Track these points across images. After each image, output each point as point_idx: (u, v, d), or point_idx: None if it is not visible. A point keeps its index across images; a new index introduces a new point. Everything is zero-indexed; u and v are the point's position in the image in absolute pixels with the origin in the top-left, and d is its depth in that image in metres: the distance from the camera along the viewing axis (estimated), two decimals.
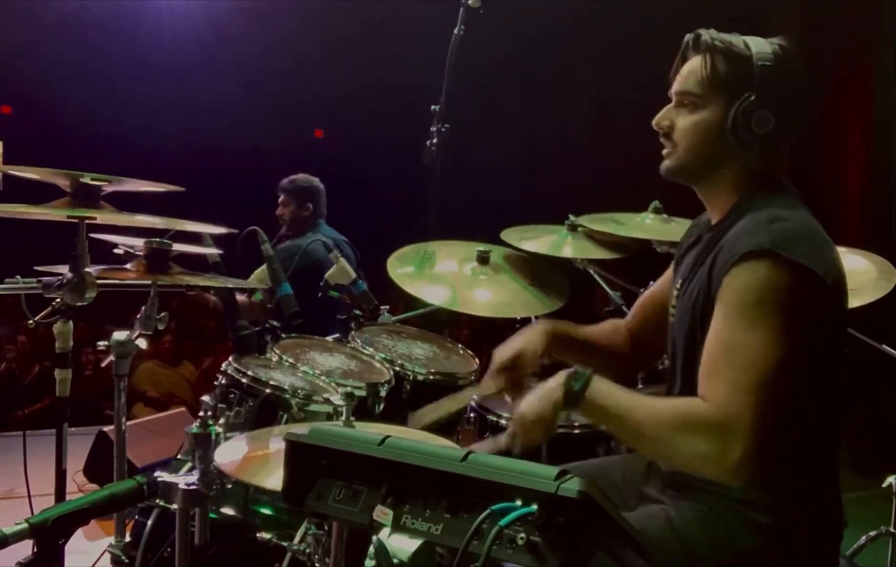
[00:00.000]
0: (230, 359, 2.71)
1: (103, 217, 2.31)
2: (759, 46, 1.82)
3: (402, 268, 3.09)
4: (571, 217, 3.22)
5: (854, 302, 2.73)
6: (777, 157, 1.87)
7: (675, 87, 1.90)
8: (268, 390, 2.57)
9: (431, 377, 2.92)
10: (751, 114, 1.79)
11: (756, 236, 1.70)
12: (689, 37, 1.89)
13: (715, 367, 1.68)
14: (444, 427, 2.67)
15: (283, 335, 2.97)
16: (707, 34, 1.85)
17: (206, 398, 2.09)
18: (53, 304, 2.30)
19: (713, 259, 1.79)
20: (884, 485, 2.87)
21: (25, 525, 1.60)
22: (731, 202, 1.88)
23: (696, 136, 1.86)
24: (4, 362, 6.96)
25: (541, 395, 1.80)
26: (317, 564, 2.10)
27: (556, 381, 1.79)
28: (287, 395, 2.56)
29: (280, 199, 4.99)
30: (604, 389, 1.76)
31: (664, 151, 1.93)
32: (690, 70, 1.87)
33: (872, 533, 2.90)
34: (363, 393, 2.67)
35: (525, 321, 3.38)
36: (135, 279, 2.43)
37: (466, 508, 1.24)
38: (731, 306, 1.69)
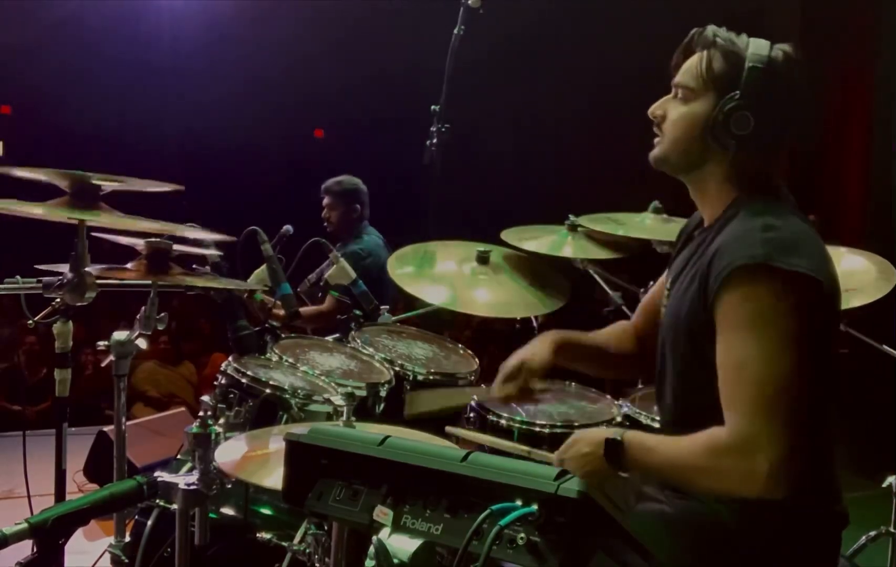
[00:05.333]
0: (230, 359, 2.70)
1: (103, 218, 2.31)
2: (757, 48, 1.80)
3: (401, 268, 3.09)
4: (571, 217, 3.21)
5: (854, 302, 2.74)
6: (767, 161, 1.86)
7: (675, 78, 1.90)
8: (268, 390, 2.57)
9: (431, 377, 2.92)
10: (731, 113, 1.78)
11: (750, 247, 1.69)
12: (695, 31, 1.89)
13: (731, 392, 1.68)
14: (443, 425, 2.67)
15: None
16: (711, 30, 1.85)
17: (205, 398, 2.09)
18: (53, 304, 2.30)
19: (707, 266, 1.77)
20: (884, 485, 2.87)
21: (25, 525, 1.60)
22: (721, 205, 1.86)
23: (680, 129, 1.86)
24: (12, 361, 6.90)
25: (584, 466, 1.78)
26: (317, 564, 2.10)
27: (595, 449, 1.78)
28: (287, 395, 2.55)
29: (325, 201, 4.83)
30: (636, 451, 1.76)
31: (655, 140, 1.93)
32: (690, 63, 1.87)
33: (872, 533, 2.90)
34: (363, 393, 2.67)
35: (525, 321, 3.38)
36: (135, 279, 2.42)
37: (466, 508, 1.24)
38: (736, 326, 1.69)
